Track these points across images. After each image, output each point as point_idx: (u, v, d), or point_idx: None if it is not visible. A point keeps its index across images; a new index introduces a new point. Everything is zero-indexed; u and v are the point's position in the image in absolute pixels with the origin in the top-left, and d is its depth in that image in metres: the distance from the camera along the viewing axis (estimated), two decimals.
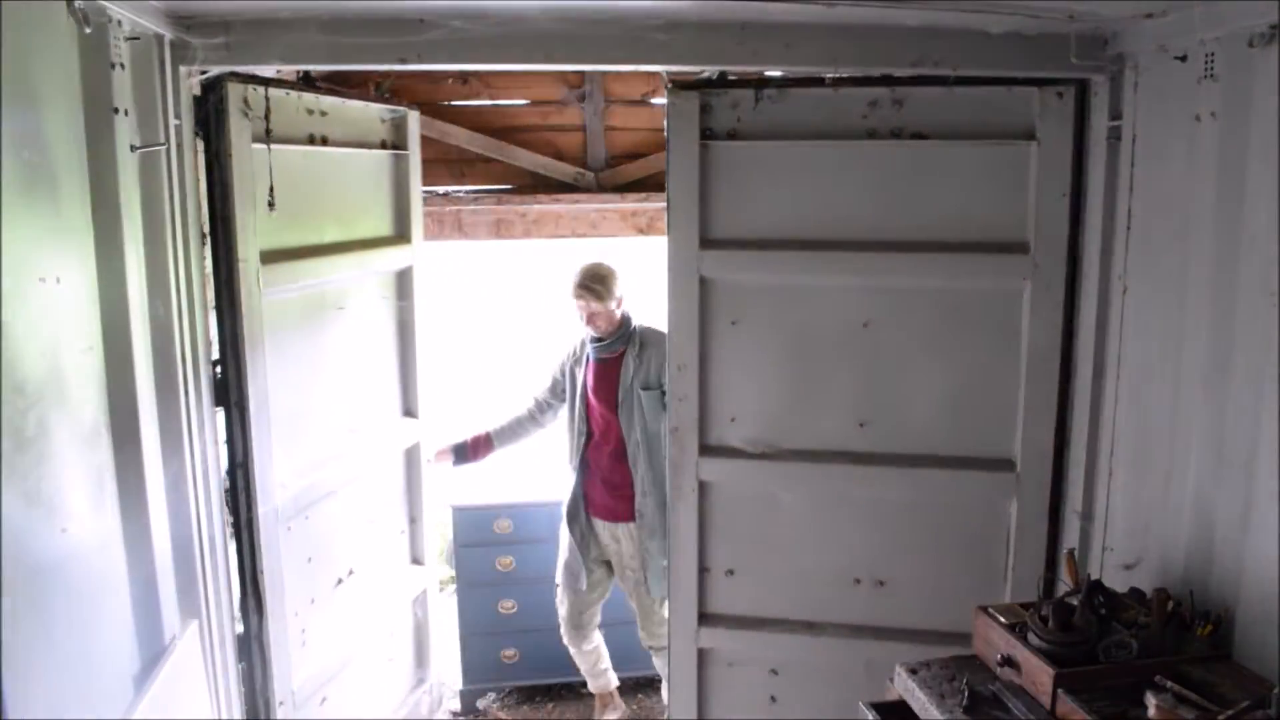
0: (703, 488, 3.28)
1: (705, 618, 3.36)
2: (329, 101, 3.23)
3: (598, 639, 4.03)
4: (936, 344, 3.14)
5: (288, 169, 2.94)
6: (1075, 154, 2.94)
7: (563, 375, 3.91)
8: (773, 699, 3.42)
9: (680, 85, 3.06)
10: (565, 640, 4.00)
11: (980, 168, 3.06)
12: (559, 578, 3.93)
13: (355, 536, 3.49)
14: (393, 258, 3.64)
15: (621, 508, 3.77)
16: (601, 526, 3.83)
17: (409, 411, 3.83)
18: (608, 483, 3.78)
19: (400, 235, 3.69)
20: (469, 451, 4.01)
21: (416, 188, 3.73)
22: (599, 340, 3.74)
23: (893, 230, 3.10)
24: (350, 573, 3.45)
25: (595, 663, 4.04)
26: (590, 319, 3.68)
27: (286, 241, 3.01)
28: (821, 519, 3.28)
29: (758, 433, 3.26)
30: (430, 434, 3.94)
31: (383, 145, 3.58)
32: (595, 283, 3.64)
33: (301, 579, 3.14)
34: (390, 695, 3.81)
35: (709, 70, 3.06)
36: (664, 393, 3.54)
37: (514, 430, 4.03)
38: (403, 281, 3.74)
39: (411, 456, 3.86)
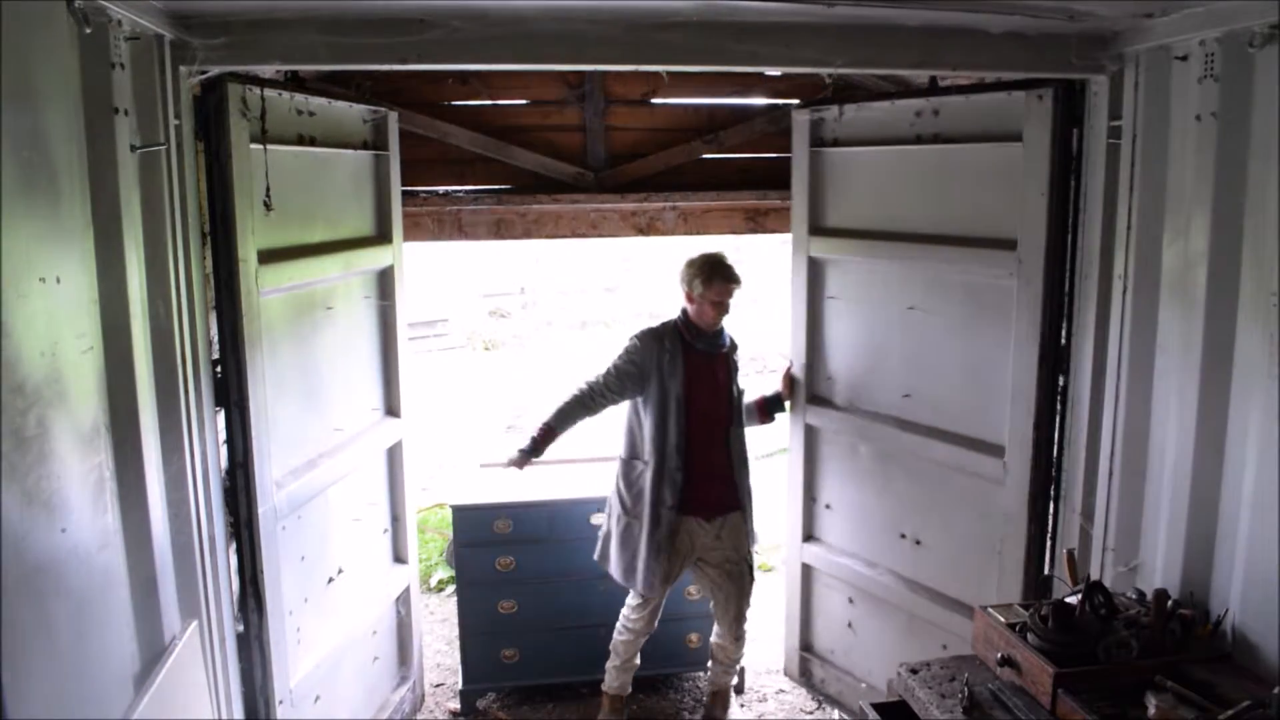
0: (808, 430, 4.01)
1: (808, 538, 4.13)
2: (316, 102, 3.24)
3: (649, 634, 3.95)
4: (959, 331, 3.44)
5: (279, 169, 2.95)
6: (1064, 154, 2.98)
7: (645, 369, 3.65)
8: (849, 625, 4.01)
9: (801, 104, 3.82)
10: (631, 630, 3.84)
11: (987, 168, 3.21)
12: (644, 586, 3.70)
13: (343, 536, 3.50)
14: (375, 257, 3.65)
15: (729, 499, 3.74)
16: (697, 525, 3.71)
17: (391, 410, 3.83)
18: (717, 478, 3.72)
19: (382, 235, 3.70)
20: (539, 447, 3.79)
21: (396, 188, 3.74)
22: (707, 336, 3.68)
23: (928, 224, 3.44)
24: (340, 571, 3.47)
25: (634, 655, 3.93)
26: (722, 310, 3.65)
27: (280, 242, 3.02)
28: (882, 473, 3.77)
29: (845, 390, 3.89)
30: (494, 444, 3.87)
31: (364, 146, 3.59)
32: (736, 272, 3.64)
33: (296, 578, 3.15)
34: (376, 694, 3.83)
35: (826, 91, 3.78)
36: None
37: (572, 416, 3.80)
38: (384, 281, 3.75)
39: (394, 455, 3.86)
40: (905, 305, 3.55)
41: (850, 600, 3.97)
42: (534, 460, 3.82)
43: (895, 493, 3.72)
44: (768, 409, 4.05)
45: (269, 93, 2.91)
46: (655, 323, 3.78)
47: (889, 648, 3.77)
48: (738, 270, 3.65)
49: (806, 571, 4.15)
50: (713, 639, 4.01)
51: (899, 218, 3.55)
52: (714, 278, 3.60)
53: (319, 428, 3.34)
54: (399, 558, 3.96)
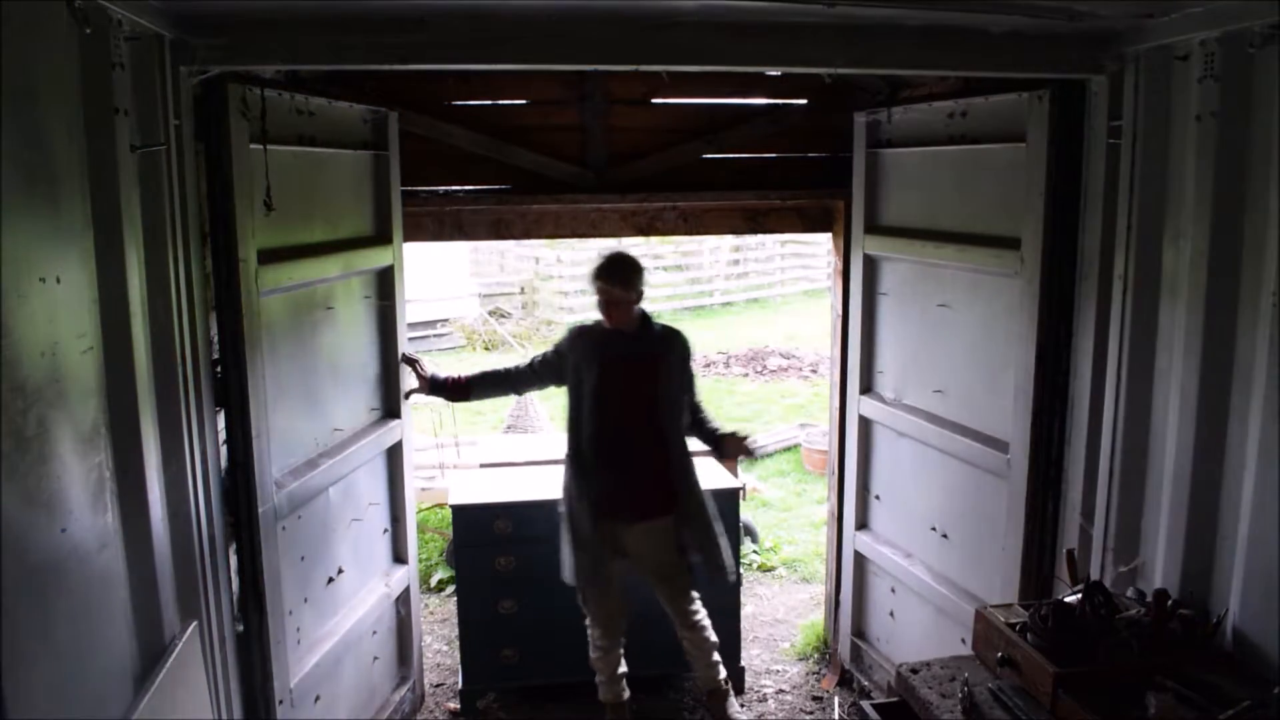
0: (863, 422, 4.13)
1: (861, 526, 4.25)
2: (316, 102, 3.23)
3: (622, 640, 3.91)
4: (979, 328, 3.45)
5: (279, 169, 2.94)
6: (1063, 154, 2.98)
7: (562, 366, 3.70)
8: (891, 614, 4.09)
9: (858, 107, 3.92)
10: (598, 647, 3.84)
11: (1002, 169, 3.24)
12: (576, 581, 3.73)
13: (343, 536, 3.50)
14: (375, 257, 3.64)
15: (655, 505, 3.67)
16: (623, 527, 3.68)
17: (391, 411, 3.82)
18: (642, 483, 3.66)
19: (381, 235, 3.69)
20: (446, 387, 3.87)
21: (397, 188, 3.73)
22: (627, 338, 3.61)
23: (956, 223, 3.51)
24: (340, 571, 3.47)
25: (616, 667, 3.88)
26: (609, 309, 3.56)
27: (279, 242, 3.01)
28: (919, 466, 3.82)
29: (893, 384, 3.98)
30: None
31: (364, 146, 3.58)
32: (622, 271, 3.55)
33: (295, 578, 3.15)
34: (377, 694, 3.82)
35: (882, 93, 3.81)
36: (688, 395, 3.74)
37: (492, 386, 3.92)
38: (383, 281, 3.74)
39: (393, 456, 3.86)
40: (937, 302, 3.62)
41: (892, 590, 4.05)
42: (429, 389, 3.85)
43: (928, 486, 3.78)
44: (716, 446, 3.83)
45: (269, 93, 2.90)
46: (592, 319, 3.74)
47: (919, 639, 3.82)
48: (634, 274, 3.54)
49: (859, 560, 4.26)
50: (679, 632, 3.89)
51: (934, 216, 3.63)
52: (599, 281, 3.55)
53: (319, 428, 3.34)
54: (399, 558, 3.96)
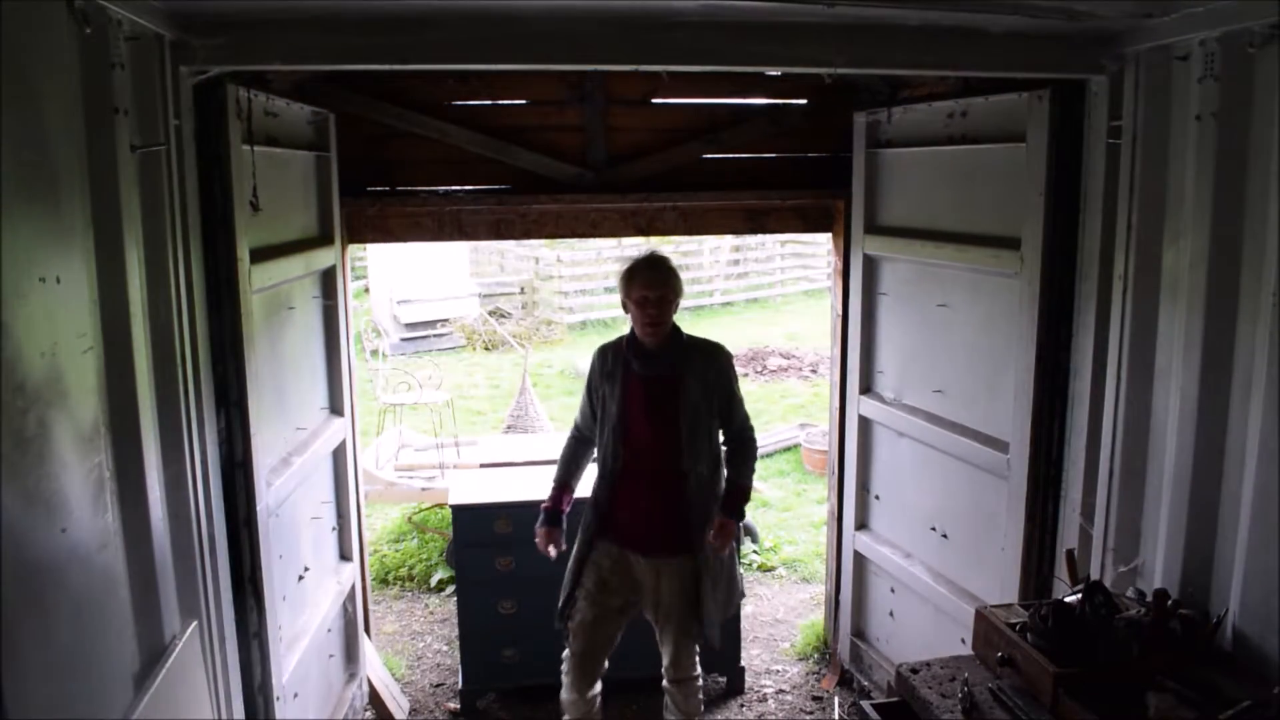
0: (862, 422, 4.13)
1: (860, 526, 4.26)
2: (278, 104, 3.23)
3: (599, 687, 3.49)
4: (980, 329, 3.47)
5: (257, 169, 2.94)
6: (1063, 154, 2.98)
7: (594, 391, 3.39)
8: (891, 614, 4.09)
9: (858, 107, 3.91)
10: (568, 686, 3.45)
11: (1002, 169, 3.24)
12: (573, 612, 3.41)
13: (305, 534, 3.51)
14: (322, 258, 3.64)
15: (665, 543, 3.29)
16: (635, 560, 3.34)
17: (335, 409, 3.83)
18: (650, 514, 3.29)
19: (325, 236, 3.69)
20: (561, 510, 3.51)
21: (336, 189, 3.72)
22: (648, 354, 3.25)
23: (956, 223, 3.51)
24: (306, 569, 3.48)
25: (589, 711, 3.47)
26: (660, 320, 3.20)
27: (261, 241, 3.02)
28: (918, 466, 3.83)
29: (892, 384, 3.99)
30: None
31: (310, 147, 3.59)
32: (673, 276, 3.21)
33: (277, 576, 3.15)
34: (332, 691, 3.82)
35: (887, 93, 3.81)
36: (724, 420, 3.35)
37: (575, 460, 3.57)
38: (327, 281, 3.74)
39: (339, 453, 3.86)
40: (937, 302, 3.62)
41: (892, 590, 4.05)
42: (563, 526, 3.49)
43: (928, 486, 3.78)
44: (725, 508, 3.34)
45: (247, 93, 2.90)
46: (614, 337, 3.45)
47: (919, 639, 3.82)
48: (671, 270, 3.22)
49: (859, 560, 4.26)
50: (664, 683, 3.51)
51: (934, 216, 3.63)
52: (635, 277, 3.19)
53: (287, 426, 3.35)
54: (345, 555, 3.98)
